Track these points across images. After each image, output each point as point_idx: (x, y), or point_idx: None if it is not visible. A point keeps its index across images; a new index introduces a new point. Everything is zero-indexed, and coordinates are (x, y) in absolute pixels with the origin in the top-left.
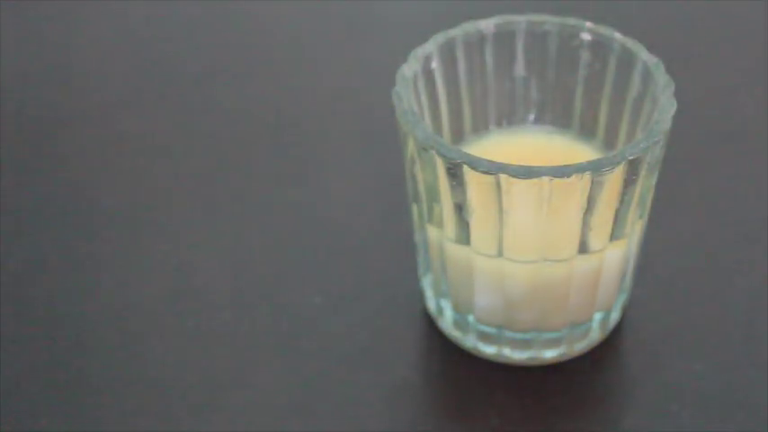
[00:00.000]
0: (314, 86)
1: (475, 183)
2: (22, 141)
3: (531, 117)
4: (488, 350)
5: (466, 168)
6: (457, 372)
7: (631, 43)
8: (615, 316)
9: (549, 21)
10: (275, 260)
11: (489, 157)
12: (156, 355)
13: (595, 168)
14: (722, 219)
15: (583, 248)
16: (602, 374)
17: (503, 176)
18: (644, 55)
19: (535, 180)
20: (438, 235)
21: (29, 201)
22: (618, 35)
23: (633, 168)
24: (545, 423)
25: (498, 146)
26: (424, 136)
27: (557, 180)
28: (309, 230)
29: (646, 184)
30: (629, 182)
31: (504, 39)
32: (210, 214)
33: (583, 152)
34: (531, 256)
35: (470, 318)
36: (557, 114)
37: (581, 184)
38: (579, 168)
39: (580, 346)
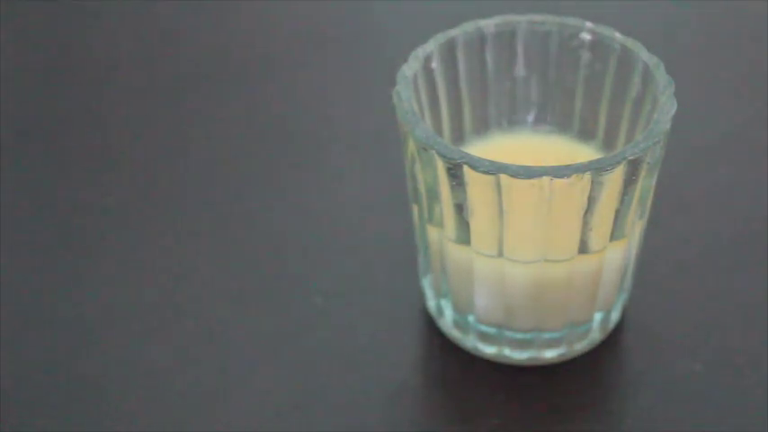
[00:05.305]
0: (314, 86)
1: (475, 183)
2: (23, 141)
3: (531, 117)
4: (488, 350)
5: (466, 168)
6: (457, 372)
7: (631, 43)
8: (615, 316)
9: (549, 21)
10: (275, 260)
11: (489, 158)
12: (156, 355)
13: (595, 168)
14: (722, 219)
15: (583, 248)
16: (602, 374)
17: (503, 176)
18: (644, 55)
19: (535, 180)
20: (438, 235)
21: (29, 201)
22: (618, 35)
23: (633, 168)
24: (545, 423)
25: (498, 146)
26: (424, 136)
27: (557, 180)
28: (309, 230)
29: (646, 184)
30: (629, 182)
31: (504, 39)
32: (211, 214)
33: (583, 152)
34: (531, 256)
35: (470, 318)
36: (557, 114)
37: (581, 184)
38: (579, 168)
39: (580, 346)
